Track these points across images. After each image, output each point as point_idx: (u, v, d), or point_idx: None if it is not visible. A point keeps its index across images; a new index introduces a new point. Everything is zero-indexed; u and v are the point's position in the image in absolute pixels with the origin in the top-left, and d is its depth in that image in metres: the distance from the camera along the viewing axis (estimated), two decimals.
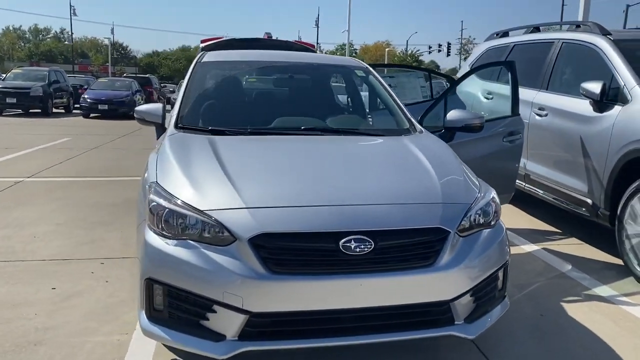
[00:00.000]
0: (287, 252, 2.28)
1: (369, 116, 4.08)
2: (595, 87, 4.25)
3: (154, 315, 2.43)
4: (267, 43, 6.27)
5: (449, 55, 64.58)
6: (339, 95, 4.47)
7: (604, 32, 4.70)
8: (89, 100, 19.51)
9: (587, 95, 4.33)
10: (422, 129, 3.58)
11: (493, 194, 2.78)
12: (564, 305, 3.46)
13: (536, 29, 6.06)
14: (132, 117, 15.70)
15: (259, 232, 2.26)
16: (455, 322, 2.47)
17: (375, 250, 2.30)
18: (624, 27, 45.57)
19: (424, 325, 2.43)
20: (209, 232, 2.34)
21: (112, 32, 63.43)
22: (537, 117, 5.09)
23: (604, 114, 4.25)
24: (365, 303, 2.31)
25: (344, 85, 4.35)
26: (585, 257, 4.41)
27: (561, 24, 6.16)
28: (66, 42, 75.09)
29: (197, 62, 3.98)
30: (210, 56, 4.09)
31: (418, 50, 62.55)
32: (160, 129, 3.73)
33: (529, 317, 3.27)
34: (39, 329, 2.97)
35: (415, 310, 2.39)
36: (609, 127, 4.16)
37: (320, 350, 2.64)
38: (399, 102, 3.88)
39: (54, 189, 6.51)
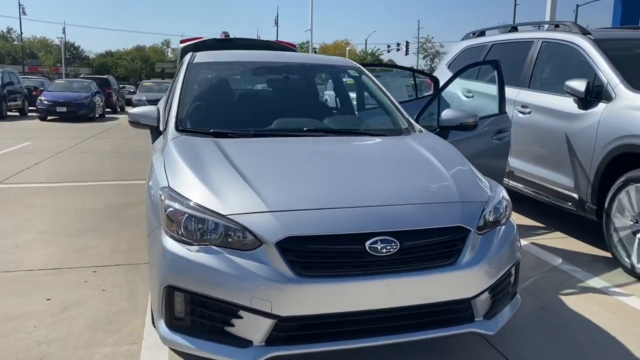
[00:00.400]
0: (315, 254, 2.26)
1: (356, 116, 4.08)
2: (579, 85, 4.38)
3: (174, 323, 2.37)
4: (249, 43, 6.22)
5: (408, 54, 65.34)
6: (325, 95, 4.47)
7: (584, 32, 4.85)
8: (46, 102, 18.87)
9: (572, 92, 4.45)
10: (422, 128, 3.61)
11: (503, 191, 2.82)
12: (562, 298, 3.55)
13: (514, 28, 6.20)
14: (91, 120, 15.73)
15: (286, 235, 2.24)
16: (475, 319, 2.50)
17: (401, 250, 2.30)
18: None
19: (447, 324, 2.45)
20: (232, 237, 2.30)
21: (64, 32, 61.36)
22: (520, 115, 5.20)
23: (589, 110, 4.38)
24: (391, 303, 2.31)
25: (333, 85, 4.34)
26: (573, 250, 4.54)
27: (539, 24, 6.32)
28: (15, 42, 72.32)
29: (189, 62, 3.90)
30: (201, 57, 4.01)
31: (378, 50, 63.07)
32: (156, 132, 3.64)
33: (532, 311, 3.34)
34: (41, 342, 2.85)
35: (438, 308, 2.41)
36: (594, 123, 4.29)
37: (338, 351, 2.63)
38: (394, 101, 3.91)
39: (25, 196, 6.27)
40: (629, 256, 3.97)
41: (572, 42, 4.85)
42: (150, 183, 2.94)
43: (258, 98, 3.82)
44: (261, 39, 6.15)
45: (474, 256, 2.45)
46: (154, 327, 2.53)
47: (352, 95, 4.62)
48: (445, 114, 3.74)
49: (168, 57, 75.44)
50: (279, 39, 6.52)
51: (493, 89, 4.83)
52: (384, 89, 4.04)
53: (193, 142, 3.03)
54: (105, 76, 28.70)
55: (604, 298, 3.56)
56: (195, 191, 2.48)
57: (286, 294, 2.20)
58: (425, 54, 68.84)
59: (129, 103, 23.50)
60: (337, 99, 4.29)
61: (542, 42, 5.29)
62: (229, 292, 2.23)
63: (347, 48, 65.41)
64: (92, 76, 31.17)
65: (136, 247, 4.40)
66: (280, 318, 2.22)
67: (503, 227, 2.67)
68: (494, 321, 2.56)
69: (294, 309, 2.22)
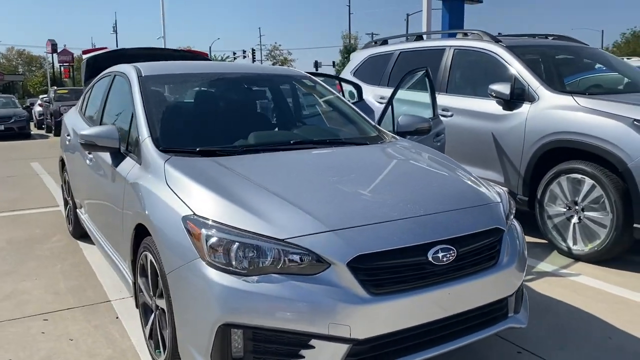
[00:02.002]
0: (383, 271, 2.20)
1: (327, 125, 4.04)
2: (504, 88, 4.78)
3: None
4: (162, 52, 5.84)
5: (255, 61, 65.91)
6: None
7: (496, 40, 5.31)
8: None
9: (497, 95, 4.85)
10: (395, 135, 3.68)
11: (505, 190, 2.99)
12: (527, 284, 3.85)
13: (419, 37, 6.58)
14: (28, 137, 13.91)
15: (356, 254, 2.15)
16: (509, 315, 2.62)
17: (458, 257, 2.33)
18: (407, 32, 51.44)
19: (490, 323, 2.53)
20: (294, 262, 2.15)
21: None
22: (442, 118, 5.53)
23: (515, 111, 4.81)
24: (452, 311, 2.33)
25: (291, 96, 4.23)
26: None
27: (447, 33, 6.76)
28: None
29: (138, 76, 3.53)
30: (148, 70, 3.66)
31: (228, 57, 62.59)
32: (118, 156, 3.25)
33: None
34: None
35: (485, 310, 2.48)
36: (521, 122, 4.72)
37: None
38: (356, 108, 3.93)
39: None
40: (564, 240, 4.43)
41: (487, 49, 5.28)
42: (145, 212, 2.63)
43: (231, 112, 3.58)
44: (171, 48, 5.76)
45: (509, 255, 2.56)
46: None
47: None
48: (402, 120, 3.84)
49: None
50: (189, 48, 6.18)
51: (415, 95, 5.07)
52: (342, 97, 4.04)
53: (193, 163, 2.76)
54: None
55: (560, 280, 3.93)
56: (234, 216, 2.27)
57: (363, 316, 2.12)
58: (274, 60, 69.92)
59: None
60: (295, 109, 4.19)
61: (455, 49, 5.68)
62: (302, 321, 2.09)
63: None
64: None
65: (80, 286, 3.88)
66: (357, 342, 2.12)
67: (514, 220, 2.83)
68: (522, 314, 2.70)
69: (370, 331, 2.15)
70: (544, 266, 4.23)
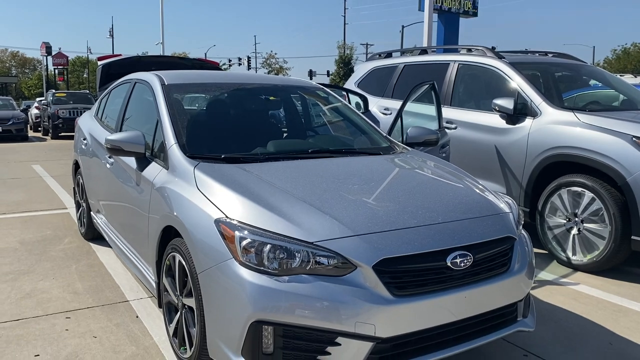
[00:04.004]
0: (406, 274, 2.35)
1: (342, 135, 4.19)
2: (507, 103, 4.97)
3: (262, 359, 2.28)
4: (175, 61, 5.99)
5: (250, 68, 66.13)
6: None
7: (499, 56, 5.51)
8: None
9: (501, 110, 5.03)
10: (405, 146, 3.84)
11: (513, 200, 3.15)
12: (531, 291, 4.00)
13: (423, 51, 6.77)
14: (26, 140, 14.03)
15: (381, 257, 2.29)
16: (518, 319, 2.77)
17: (474, 263, 2.48)
18: (401, 45, 51.98)
19: (501, 326, 2.68)
20: (322, 263, 2.29)
21: None
22: (446, 130, 5.70)
23: (517, 125, 4.99)
24: (467, 314, 2.48)
25: (300, 106, 4.38)
26: None
27: (448, 48, 6.95)
28: None
29: (161, 84, 3.67)
30: (171, 78, 3.80)
31: (224, 64, 62.79)
32: (143, 161, 3.38)
33: None
34: None
35: (497, 313, 2.63)
36: (524, 136, 4.90)
37: None
38: (368, 120, 4.09)
39: None
40: (564, 250, 4.60)
41: (491, 65, 5.47)
42: (175, 214, 2.76)
43: (251, 120, 3.73)
44: (190, 57, 5.91)
45: (520, 262, 2.72)
46: None
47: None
48: (411, 131, 4.00)
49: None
50: (200, 58, 6.34)
51: (421, 108, 5.24)
52: (354, 108, 4.21)
53: (221, 169, 2.90)
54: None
55: (561, 289, 4.10)
56: (265, 220, 2.41)
57: (387, 316, 2.26)
58: (270, 69, 70.19)
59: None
60: (310, 118, 4.34)
61: (459, 64, 5.87)
62: (329, 319, 2.22)
63: None
64: None
65: (97, 286, 3.99)
66: (381, 340, 2.27)
67: (523, 230, 2.99)
68: (530, 318, 2.85)
69: (393, 330, 2.29)
70: (544, 275, 4.39)
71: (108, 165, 4.05)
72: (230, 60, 67.56)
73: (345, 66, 51.05)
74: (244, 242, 2.33)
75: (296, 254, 2.30)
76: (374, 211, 2.55)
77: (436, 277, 2.40)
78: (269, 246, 2.31)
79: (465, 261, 2.45)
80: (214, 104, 3.87)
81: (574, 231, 4.52)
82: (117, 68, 5.51)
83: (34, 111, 23.79)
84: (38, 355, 2.98)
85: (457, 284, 2.44)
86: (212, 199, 2.61)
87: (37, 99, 27.82)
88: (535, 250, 4.90)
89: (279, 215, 2.43)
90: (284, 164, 3.13)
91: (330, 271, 2.29)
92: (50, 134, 19.31)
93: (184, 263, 2.69)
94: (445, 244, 2.44)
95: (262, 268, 2.29)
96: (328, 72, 58.37)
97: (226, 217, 2.47)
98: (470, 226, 2.61)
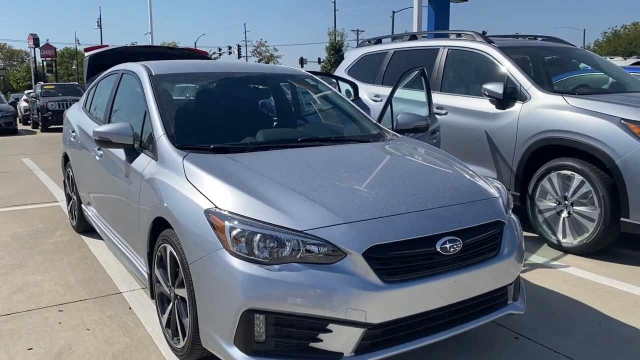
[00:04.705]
0: (396, 260, 2.36)
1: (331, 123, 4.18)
2: (497, 87, 4.97)
3: (255, 348, 2.30)
4: (163, 51, 5.94)
5: (240, 57, 65.68)
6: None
7: (488, 41, 5.50)
8: None
9: (490, 94, 5.03)
10: (395, 133, 3.84)
11: (502, 185, 3.17)
12: (521, 275, 4.03)
13: (413, 37, 6.75)
14: (15, 133, 13.96)
15: (370, 244, 2.30)
16: (508, 303, 2.80)
17: (463, 248, 2.50)
18: (392, 31, 51.80)
19: (491, 309, 2.71)
20: (312, 252, 2.30)
21: None
22: (436, 116, 5.70)
23: (507, 110, 5.00)
24: (457, 298, 2.50)
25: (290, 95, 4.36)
26: None
27: (438, 33, 6.94)
28: None
29: (148, 75, 3.64)
30: (158, 68, 3.78)
31: (214, 53, 62.35)
32: (132, 153, 3.37)
33: None
34: None
35: (487, 297, 2.65)
36: (514, 121, 4.91)
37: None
38: (358, 107, 4.09)
39: None
40: (554, 233, 4.64)
41: (479, 50, 5.47)
42: (165, 205, 2.76)
43: (239, 110, 3.71)
44: (178, 47, 5.86)
45: (509, 246, 2.74)
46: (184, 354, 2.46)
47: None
48: (401, 118, 4.00)
49: None
50: (189, 47, 6.29)
51: (411, 94, 5.24)
52: (344, 96, 4.20)
53: (210, 159, 2.89)
54: None
55: (551, 271, 4.13)
56: (255, 209, 2.41)
57: (378, 302, 2.28)
58: (260, 57, 69.79)
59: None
60: (300, 107, 4.33)
61: (448, 49, 5.86)
62: (321, 306, 2.24)
63: None
64: None
65: (89, 279, 3.99)
66: (372, 326, 2.28)
67: (513, 215, 3.00)
68: (520, 301, 2.88)
69: (383, 315, 2.31)
70: (535, 258, 4.43)
71: (97, 158, 4.03)
72: (220, 49, 67.13)
73: (336, 53, 50.82)
74: (234, 232, 2.33)
75: (286, 242, 2.30)
76: (363, 199, 2.55)
77: (426, 263, 2.41)
78: (259, 235, 2.31)
79: (455, 246, 2.46)
80: (203, 94, 3.85)
81: (564, 214, 4.55)
82: (104, 59, 5.46)
83: (22, 104, 23.57)
84: (31, 348, 2.98)
85: (447, 269, 2.45)
86: (202, 190, 2.61)
87: (26, 92, 27.57)
88: (526, 234, 4.94)
89: (268, 204, 2.43)
90: (273, 153, 3.13)
91: (320, 259, 2.30)
92: (40, 127, 19.15)
93: (175, 254, 2.69)
94: (435, 229, 2.45)
95: (252, 257, 2.30)
96: (319, 59, 58.12)
97: (216, 207, 2.47)
98: (459, 211, 2.62)
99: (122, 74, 4.16)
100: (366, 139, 3.59)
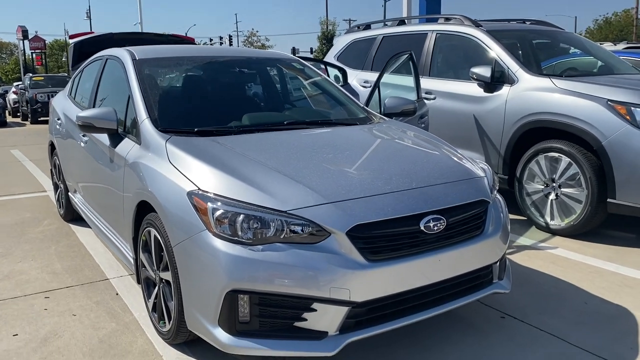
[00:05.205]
0: (380, 239, 2.36)
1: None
2: (485, 71, 4.96)
3: (239, 328, 2.30)
4: (149, 37, 5.88)
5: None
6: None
7: (476, 24, 5.48)
8: None
9: (478, 78, 5.02)
10: (382, 116, 3.82)
11: (488, 166, 3.16)
12: (509, 257, 4.05)
13: (402, 22, 6.72)
14: (4, 125, 13.81)
15: (354, 223, 2.30)
16: (494, 281, 2.81)
17: (447, 226, 2.50)
18: (384, 18, 51.59)
19: (476, 288, 2.72)
20: (296, 232, 2.29)
21: None
22: (425, 101, 5.69)
23: (495, 93, 4.99)
24: (441, 276, 2.50)
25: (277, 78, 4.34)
26: None
27: (428, 18, 6.91)
28: None
29: (132, 59, 3.60)
30: (142, 53, 3.74)
31: (205, 44, 61.94)
32: (116, 138, 3.34)
33: None
34: None
35: (472, 276, 2.66)
36: (502, 104, 4.91)
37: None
38: (345, 91, 4.07)
39: None
40: (542, 216, 4.65)
41: (468, 34, 5.45)
42: (149, 189, 2.74)
43: (225, 94, 3.69)
44: (163, 33, 5.80)
45: (494, 225, 2.74)
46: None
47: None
48: (389, 102, 3.98)
49: None
50: (175, 33, 6.23)
51: (399, 79, 5.22)
52: (330, 80, 4.17)
53: (193, 142, 2.87)
54: None
55: (539, 253, 4.15)
56: (238, 190, 2.40)
57: (362, 280, 2.28)
58: (252, 47, 69.38)
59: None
60: (286, 91, 4.30)
61: (437, 33, 5.83)
62: (305, 286, 2.23)
63: None
64: None
65: (77, 266, 3.96)
66: (356, 304, 2.28)
67: (498, 195, 3.00)
68: (506, 280, 2.89)
69: (367, 294, 2.31)
70: (523, 240, 4.44)
71: (82, 144, 3.99)
72: (211, 40, 66.74)
73: (328, 42, 50.58)
74: (217, 213, 2.32)
75: (270, 223, 2.29)
76: (347, 179, 2.54)
77: (410, 242, 2.41)
78: (242, 216, 2.30)
79: (439, 225, 2.46)
80: (187, 77, 3.82)
81: (552, 196, 4.56)
82: (89, 46, 5.40)
83: (11, 96, 23.35)
84: (16, 334, 2.96)
85: (431, 247, 2.45)
86: (184, 172, 2.59)
87: (15, 84, 27.29)
88: (514, 216, 4.97)
89: (251, 185, 2.42)
90: (258, 135, 3.11)
91: (304, 239, 2.29)
92: (29, 119, 18.98)
93: (159, 237, 2.67)
94: (419, 208, 2.45)
95: (236, 238, 2.28)
96: (311, 49, 57.87)
97: (198, 189, 2.46)
98: (443, 190, 2.62)
99: (107, 59, 4.11)
100: (353, 122, 3.57)
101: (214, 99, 3.62)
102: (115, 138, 3.35)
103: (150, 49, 3.95)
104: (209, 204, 2.35)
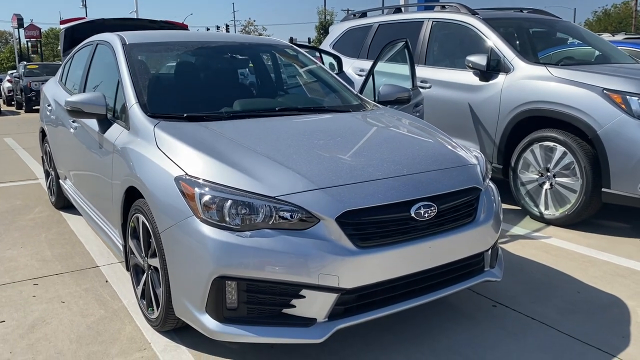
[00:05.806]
0: (369, 225, 2.33)
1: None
2: (481, 59, 4.91)
3: (227, 315, 2.27)
4: (141, 23, 5.81)
5: None
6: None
7: (473, 12, 5.42)
8: None
9: (474, 66, 4.97)
10: (376, 104, 3.78)
11: (480, 153, 3.13)
12: (502, 246, 4.03)
13: (398, 10, 6.65)
14: None
15: (343, 210, 2.27)
16: (485, 270, 2.79)
17: (438, 213, 2.47)
18: (382, 6, 51.35)
19: (468, 276, 2.69)
20: (285, 218, 2.26)
21: None
22: (420, 89, 5.64)
23: (491, 82, 4.95)
24: (432, 263, 2.48)
25: (271, 64, 4.28)
26: None
27: (424, 5, 6.84)
28: None
29: (122, 44, 3.55)
30: (132, 38, 3.68)
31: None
32: (105, 123, 3.29)
33: None
34: None
35: (463, 263, 2.64)
36: (497, 93, 4.87)
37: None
38: (338, 78, 4.02)
39: None
40: (537, 205, 4.63)
41: (464, 22, 5.39)
42: (137, 175, 2.70)
43: (216, 79, 3.64)
44: (155, 19, 5.72)
45: (486, 212, 2.72)
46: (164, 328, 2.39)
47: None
48: (383, 89, 3.94)
49: None
50: (169, 20, 6.15)
51: (395, 67, 5.17)
52: (324, 66, 4.13)
53: (182, 127, 2.83)
54: None
55: (533, 242, 4.13)
56: (226, 176, 2.36)
57: (350, 267, 2.25)
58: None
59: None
60: (279, 77, 4.25)
61: (433, 21, 5.77)
62: (293, 272, 2.20)
63: None
64: None
65: (67, 253, 3.93)
66: (345, 291, 2.26)
67: (491, 183, 2.97)
68: (497, 269, 2.87)
69: (357, 281, 2.28)
70: (517, 230, 4.42)
71: (72, 131, 3.95)
72: (208, 29, 66.37)
73: (326, 32, 50.34)
74: (205, 199, 2.29)
75: (259, 209, 2.26)
76: (338, 165, 2.51)
77: (400, 228, 2.38)
78: (230, 202, 2.26)
79: (430, 212, 2.43)
80: (178, 63, 3.76)
81: (546, 186, 4.54)
82: (81, 32, 5.32)
83: (6, 85, 23.15)
84: (3, 321, 2.93)
85: (421, 234, 2.42)
86: (172, 157, 2.55)
87: (9, 72, 27.08)
88: (509, 206, 4.95)
89: (240, 170, 2.38)
90: (249, 121, 3.07)
91: (293, 225, 2.26)
92: (23, 108, 18.85)
93: (147, 223, 2.64)
94: (409, 195, 2.42)
95: (223, 224, 2.25)
96: (309, 39, 57.57)
97: (186, 174, 2.42)
98: (435, 177, 2.59)
99: (97, 44, 4.06)
100: (346, 109, 3.53)
101: (205, 84, 3.58)
102: (105, 124, 3.30)
103: (141, 34, 3.89)
104: (197, 190, 2.32)
